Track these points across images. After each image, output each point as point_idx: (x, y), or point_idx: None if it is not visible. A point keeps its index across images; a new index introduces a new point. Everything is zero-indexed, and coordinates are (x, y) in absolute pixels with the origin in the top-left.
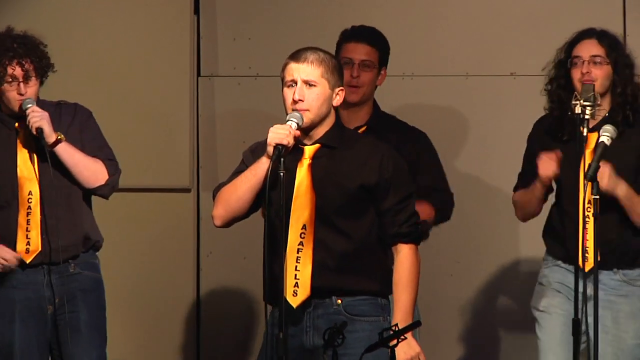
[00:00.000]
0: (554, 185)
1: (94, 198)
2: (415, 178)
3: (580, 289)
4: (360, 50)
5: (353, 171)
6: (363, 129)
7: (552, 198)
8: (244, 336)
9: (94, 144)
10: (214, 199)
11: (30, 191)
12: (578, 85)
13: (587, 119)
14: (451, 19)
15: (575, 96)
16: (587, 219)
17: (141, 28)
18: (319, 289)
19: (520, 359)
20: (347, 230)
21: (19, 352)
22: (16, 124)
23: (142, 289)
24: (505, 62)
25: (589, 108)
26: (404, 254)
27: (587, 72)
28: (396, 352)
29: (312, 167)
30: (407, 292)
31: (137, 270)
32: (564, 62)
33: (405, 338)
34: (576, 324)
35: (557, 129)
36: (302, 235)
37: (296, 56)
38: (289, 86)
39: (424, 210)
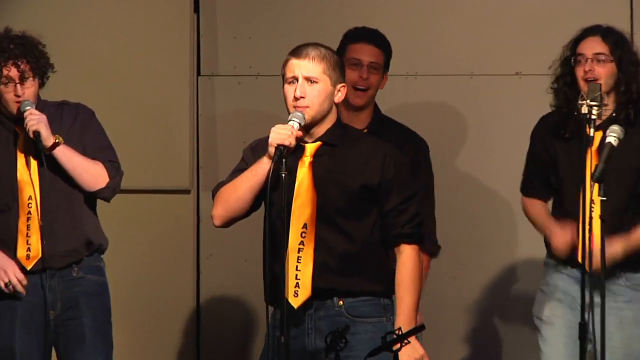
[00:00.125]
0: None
1: (98, 201)
2: None
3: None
4: (370, 52)
5: (355, 170)
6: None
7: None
8: (244, 340)
9: (95, 145)
10: (213, 198)
11: (30, 195)
12: (582, 84)
13: (594, 119)
14: (455, 17)
15: (582, 96)
16: (589, 218)
17: (140, 27)
18: (320, 290)
19: None
20: (348, 230)
21: (19, 355)
22: (16, 127)
23: (141, 292)
24: (511, 61)
25: (595, 108)
26: (406, 255)
27: (590, 70)
28: (399, 356)
29: (313, 165)
30: (410, 293)
31: (135, 273)
32: (569, 59)
33: (409, 342)
34: (583, 328)
35: (561, 127)
36: (303, 235)
37: (297, 52)
38: (289, 83)
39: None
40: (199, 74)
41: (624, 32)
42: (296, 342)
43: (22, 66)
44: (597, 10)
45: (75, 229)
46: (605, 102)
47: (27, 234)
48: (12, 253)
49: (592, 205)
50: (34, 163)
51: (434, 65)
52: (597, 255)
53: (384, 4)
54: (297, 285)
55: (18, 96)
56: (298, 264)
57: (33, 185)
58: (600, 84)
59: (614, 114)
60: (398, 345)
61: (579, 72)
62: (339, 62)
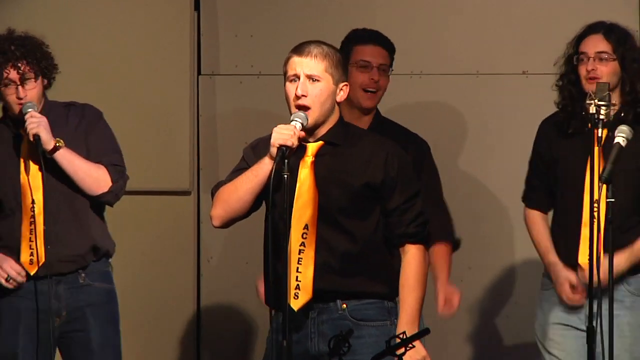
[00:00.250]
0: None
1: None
2: None
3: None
4: (379, 54)
5: (358, 169)
6: None
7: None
8: (245, 344)
9: (99, 148)
10: (212, 197)
11: (33, 199)
12: (585, 83)
13: (602, 119)
14: (461, 15)
15: (590, 96)
16: (593, 219)
17: (140, 25)
18: (322, 292)
19: None
20: (351, 230)
21: None
22: (21, 130)
23: (141, 295)
24: (517, 59)
25: (603, 108)
26: (411, 255)
27: (593, 70)
28: (402, 357)
29: (315, 165)
30: (414, 294)
31: (135, 277)
32: (572, 57)
33: (414, 346)
34: (591, 332)
35: (564, 124)
36: (304, 236)
37: (299, 49)
38: (291, 81)
39: (446, 257)
40: (199, 73)
41: (628, 28)
42: (299, 346)
43: (22, 68)
44: (605, 8)
45: (80, 234)
46: (614, 102)
47: (30, 238)
48: (15, 258)
49: (596, 206)
50: (39, 166)
51: (439, 64)
52: (604, 265)
53: (387, 1)
54: (297, 287)
55: (20, 98)
56: (299, 266)
57: (37, 189)
58: (608, 84)
59: (622, 114)
60: (402, 350)
61: (582, 71)
62: (342, 60)
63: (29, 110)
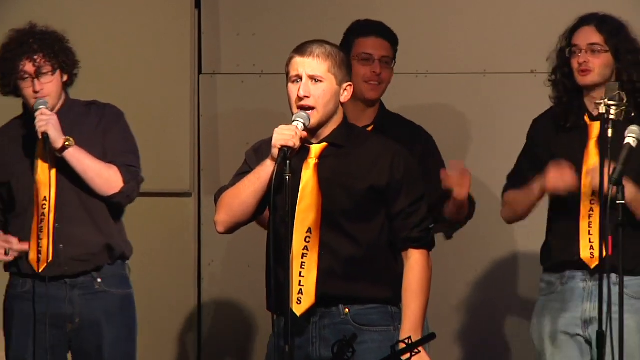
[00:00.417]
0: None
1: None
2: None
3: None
4: (381, 46)
5: (362, 171)
6: (370, 128)
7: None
8: (247, 349)
9: (115, 148)
10: (215, 203)
11: (45, 197)
12: (577, 75)
13: (612, 119)
14: (468, 12)
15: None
16: (591, 212)
17: (139, 23)
18: (324, 297)
19: None
20: (355, 234)
21: None
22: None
23: (140, 299)
24: (526, 58)
25: (614, 107)
26: (414, 260)
27: (585, 62)
28: None
29: (319, 167)
30: (418, 300)
31: (134, 280)
32: (564, 50)
33: (419, 352)
34: (601, 337)
35: (561, 119)
36: (307, 240)
37: (301, 50)
38: (293, 82)
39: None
40: (200, 72)
41: (622, 20)
42: (300, 351)
43: (38, 60)
44: (612, 7)
45: (93, 234)
46: (625, 101)
47: (39, 236)
48: (25, 256)
49: (592, 202)
50: (54, 164)
51: (445, 63)
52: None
53: None
54: (300, 292)
55: (36, 92)
56: (302, 270)
57: (50, 187)
58: (618, 83)
59: (632, 114)
60: (408, 355)
61: (574, 64)
62: (345, 60)
63: (40, 107)
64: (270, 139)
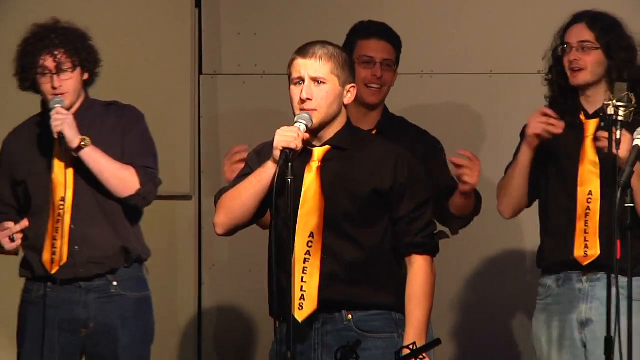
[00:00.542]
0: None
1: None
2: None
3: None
4: (382, 49)
5: (365, 175)
6: (373, 132)
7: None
8: (248, 355)
9: (133, 150)
10: (215, 204)
11: (62, 197)
12: (569, 73)
13: (621, 121)
14: (473, 12)
15: (608, 96)
16: (587, 211)
17: (139, 23)
18: (327, 302)
19: None
20: (358, 238)
21: None
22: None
23: None
24: (532, 58)
25: (622, 109)
26: (418, 266)
27: (576, 60)
28: None
29: (321, 170)
30: (422, 307)
31: None
32: (557, 48)
33: (424, 358)
34: (609, 342)
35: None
36: (310, 244)
37: (303, 51)
38: (296, 84)
39: (470, 200)
40: (200, 72)
41: (616, 16)
42: (302, 358)
43: (59, 56)
44: (619, 6)
45: (109, 236)
46: (634, 102)
47: (55, 237)
48: (38, 257)
49: (590, 197)
50: (72, 164)
51: (450, 63)
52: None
53: None
54: (302, 297)
55: (55, 88)
56: (304, 275)
57: (66, 187)
58: (627, 83)
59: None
60: None
61: (565, 62)
62: (348, 61)
63: (56, 106)
64: (272, 141)
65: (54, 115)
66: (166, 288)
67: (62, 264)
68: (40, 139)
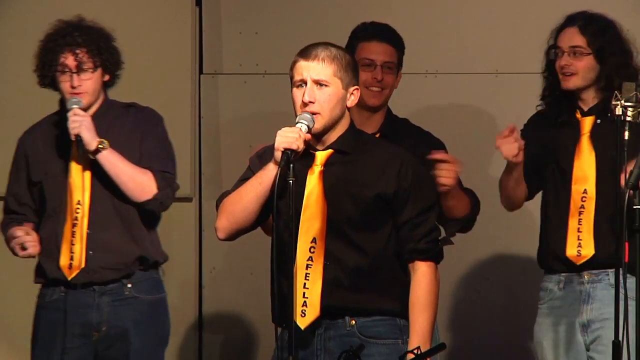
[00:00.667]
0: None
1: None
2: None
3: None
4: (383, 51)
5: (369, 179)
6: (377, 135)
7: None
8: (249, 359)
9: (152, 153)
10: (217, 208)
11: (79, 200)
12: (561, 78)
13: (629, 121)
14: (478, 11)
15: (616, 96)
16: (582, 209)
17: (138, 22)
18: (330, 308)
19: None
20: (361, 243)
21: None
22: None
23: None
24: (538, 58)
25: (630, 109)
26: (421, 272)
27: (567, 65)
28: None
29: (324, 174)
30: (425, 314)
31: None
32: (550, 50)
33: None
34: (616, 347)
35: (552, 114)
36: (312, 250)
37: (305, 53)
38: (298, 86)
39: (462, 202)
40: (201, 72)
41: (610, 18)
42: None
43: (80, 55)
44: (624, 7)
45: (125, 242)
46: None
47: (72, 242)
48: (54, 261)
49: (584, 200)
50: (86, 166)
51: (455, 63)
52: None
53: None
54: (304, 304)
55: (74, 87)
56: (306, 282)
57: (84, 190)
58: (635, 83)
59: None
60: None
61: (557, 66)
62: (352, 62)
63: (73, 107)
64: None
65: (71, 116)
66: (167, 291)
67: (79, 270)
68: (58, 139)
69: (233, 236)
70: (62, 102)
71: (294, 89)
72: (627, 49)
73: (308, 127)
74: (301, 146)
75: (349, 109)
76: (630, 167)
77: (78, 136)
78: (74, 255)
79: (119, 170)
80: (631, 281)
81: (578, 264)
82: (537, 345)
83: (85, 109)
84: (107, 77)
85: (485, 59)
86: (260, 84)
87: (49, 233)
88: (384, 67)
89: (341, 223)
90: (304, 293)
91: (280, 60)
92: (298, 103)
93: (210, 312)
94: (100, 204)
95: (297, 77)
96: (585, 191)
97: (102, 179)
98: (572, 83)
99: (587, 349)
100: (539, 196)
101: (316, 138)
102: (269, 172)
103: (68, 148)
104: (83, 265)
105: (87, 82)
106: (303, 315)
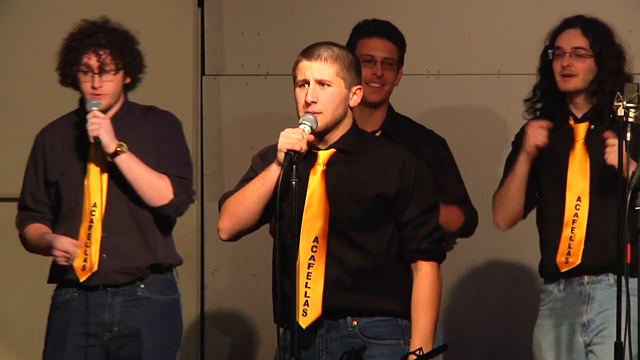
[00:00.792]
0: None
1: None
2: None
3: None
4: (383, 47)
5: (371, 179)
6: (378, 133)
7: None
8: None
9: (169, 158)
10: (219, 209)
11: (95, 203)
12: (559, 79)
13: (631, 122)
14: (480, 12)
15: (618, 97)
16: (575, 218)
17: (140, 22)
18: (331, 309)
19: None
20: (363, 243)
21: None
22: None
23: None
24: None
25: (633, 110)
26: (424, 272)
27: (568, 66)
28: None
29: (326, 174)
30: (428, 314)
31: None
32: (547, 51)
33: None
34: (619, 348)
35: (546, 118)
36: (314, 249)
37: (308, 53)
38: (300, 86)
39: (453, 216)
40: (203, 73)
41: (608, 23)
42: None
43: (103, 57)
44: (627, 7)
45: (138, 246)
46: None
47: (87, 243)
48: (69, 266)
49: (577, 208)
50: (103, 169)
51: (457, 64)
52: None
53: None
54: (306, 303)
55: (95, 88)
56: (308, 281)
57: (101, 193)
58: (638, 84)
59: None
60: None
61: (556, 67)
62: (354, 62)
63: (93, 109)
64: (277, 144)
65: (90, 118)
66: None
67: (92, 272)
68: (76, 140)
69: (235, 237)
70: (82, 102)
71: (297, 89)
72: (622, 55)
73: (311, 128)
74: (304, 147)
75: (351, 108)
76: (632, 169)
77: (97, 138)
78: (87, 257)
79: (137, 175)
80: (633, 280)
81: (562, 270)
82: (536, 346)
83: (104, 111)
84: (128, 80)
85: (487, 60)
86: (262, 85)
87: (64, 233)
88: (384, 64)
89: (343, 223)
90: (305, 292)
91: (282, 62)
92: (301, 103)
93: (212, 313)
94: (116, 207)
95: (299, 77)
96: (579, 199)
97: (119, 182)
98: (571, 84)
99: (587, 348)
100: None
101: (319, 137)
102: (272, 173)
103: (86, 149)
104: (96, 268)
105: (108, 84)
106: (305, 314)
